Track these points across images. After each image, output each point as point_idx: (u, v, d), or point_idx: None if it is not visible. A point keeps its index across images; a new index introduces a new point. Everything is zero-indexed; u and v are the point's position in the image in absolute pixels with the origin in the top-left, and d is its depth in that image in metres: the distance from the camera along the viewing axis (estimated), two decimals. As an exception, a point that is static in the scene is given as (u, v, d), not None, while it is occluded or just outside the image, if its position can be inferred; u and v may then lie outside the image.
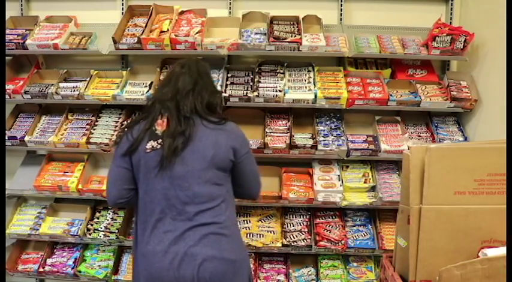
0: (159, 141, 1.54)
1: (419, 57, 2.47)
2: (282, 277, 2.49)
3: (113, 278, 2.50)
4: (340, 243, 2.41)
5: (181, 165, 1.52)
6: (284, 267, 2.55)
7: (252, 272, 1.83)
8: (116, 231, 2.49)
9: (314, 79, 2.42)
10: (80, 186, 2.44)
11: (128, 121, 2.50)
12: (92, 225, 2.53)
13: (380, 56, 2.40)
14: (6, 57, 2.55)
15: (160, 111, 1.59)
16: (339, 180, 2.42)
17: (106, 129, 2.48)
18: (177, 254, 1.48)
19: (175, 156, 1.51)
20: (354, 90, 2.37)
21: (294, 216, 2.56)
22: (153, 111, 1.61)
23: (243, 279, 1.60)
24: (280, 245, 2.41)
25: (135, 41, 2.32)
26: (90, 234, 2.49)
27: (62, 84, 2.47)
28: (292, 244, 2.41)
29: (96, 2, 2.71)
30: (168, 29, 2.38)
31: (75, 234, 2.48)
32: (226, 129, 1.61)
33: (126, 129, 1.67)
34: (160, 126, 1.57)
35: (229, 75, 2.46)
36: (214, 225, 1.52)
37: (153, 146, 1.54)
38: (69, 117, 2.60)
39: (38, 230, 2.52)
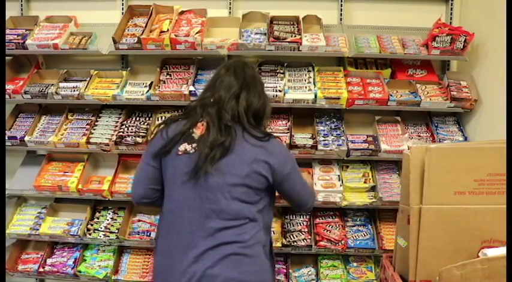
0: (194, 145, 1.46)
1: (419, 57, 2.47)
2: (282, 277, 2.49)
3: (113, 278, 2.50)
4: (340, 243, 2.41)
5: (213, 177, 1.42)
6: (284, 267, 2.55)
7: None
8: (116, 231, 2.49)
9: (314, 79, 2.42)
10: (80, 186, 2.44)
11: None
12: (92, 225, 2.53)
13: (380, 56, 2.40)
14: (6, 57, 2.55)
15: (202, 115, 1.50)
16: (339, 180, 2.42)
17: (106, 129, 2.48)
18: (194, 274, 1.39)
19: (210, 166, 1.41)
20: (354, 90, 2.37)
21: (294, 216, 2.56)
22: (194, 115, 1.52)
23: None
24: (280, 245, 2.41)
25: (135, 41, 2.32)
26: (90, 234, 2.49)
27: (62, 84, 2.47)
28: (292, 244, 2.41)
29: (96, 2, 2.71)
30: (168, 29, 2.38)
31: (75, 234, 2.48)
32: (267, 148, 1.48)
33: (162, 125, 1.58)
34: (199, 129, 1.48)
35: (229, 75, 2.46)
36: (236, 245, 1.42)
37: (186, 149, 1.46)
38: (69, 117, 2.59)
39: (38, 230, 2.52)
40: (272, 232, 2.44)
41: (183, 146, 1.47)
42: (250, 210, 1.46)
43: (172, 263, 1.45)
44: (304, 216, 2.55)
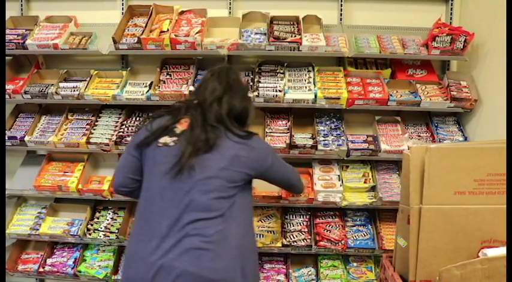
0: (174, 139, 1.51)
1: (419, 57, 2.47)
2: (282, 277, 2.49)
3: (113, 278, 2.51)
4: (340, 243, 2.41)
5: (192, 171, 1.46)
6: (284, 267, 2.55)
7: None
8: (116, 231, 2.49)
9: (314, 79, 2.42)
10: (80, 186, 2.44)
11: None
12: (92, 225, 2.53)
13: (380, 56, 2.40)
14: (6, 57, 2.55)
15: (185, 113, 1.57)
16: (339, 180, 2.42)
17: (106, 129, 2.48)
18: (154, 264, 1.40)
19: (192, 161, 1.45)
20: (354, 90, 2.37)
21: (294, 216, 2.56)
22: (178, 113, 1.59)
23: None
24: (280, 245, 2.41)
25: (135, 41, 2.32)
26: (90, 234, 2.49)
27: (62, 84, 2.47)
28: (292, 244, 2.41)
29: (96, 2, 2.71)
30: (168, 29, 2.38)
31: (75, 234, 2.48)
32: (249, 144, 1.55)
33: (148, 120, 1.65)
34: (181, 125, 1.54)
35: (229, 75, 2.46)
36: (199, 238, 1.42)
37: (166, 142, 1.51)
38: (69, 117, 2.59)
39: (38, 230, 2.52)
40: (272, 232, 2.45)
41: (164, 139, 1.52)
42: (222, 204, 1.47)
43: (137, 251, 1.47)
44: (304, 216, 2.55)
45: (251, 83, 2.40)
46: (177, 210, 1.44)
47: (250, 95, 1.77)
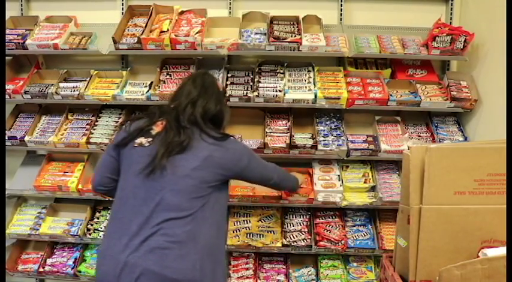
0: (149, 139, 1.54)
1: (419, 57, 2.47)
2: (282, 277, 2.49)
3: (113, 278, 2.50)
4: (340, 243, 2.41)
5: (165, 171, 1.48)
6: (284, 267, 2.55)
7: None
8: (116, 231, 2.49)
9: (314, 79, 2.42)
10: (80, 186, 2.44)
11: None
12: (92, 225, 2.53)
13: (380, 56, 2.40)
14: (6, 57, 2.55)
15: (161, 117, 1.62)
16: (339, 180, 2.42)
17: (106, 129, 2.48)
18: (119, 261, 1.42)
19: (165, 161, 1.48)
20: (354, 90, 2.37)
21: (294, 216, 2.56)
22: (155, 116, 1.64)
23: None
24: (280, 245, 2.41)
25: (135, 41, 2.32)
26: (90, 234, 2.49)
27: (62, 84, 2.47)
28: (292, 244, 2.41)
29: (96, 2, 2.71)
30: (168, 29, 2.38)
31: (75, 234, 2.48)
32: (223, 146, 1.57)
33: (128, 122, 1.69)
34: (157, 127, 1.58)
35: (229, 75, 2.46)
36: (164, 238, 1.43)
37: (141, 142, 1.55)
38: (69, 117, 2.60)
39: (38, 230, 2.52)
40: (272, 232, 2.45)
41: (139, 139, 1.56)
42: (193, 204, 1.48)
43: (107, 248, 1.49)
44: (304, 216, 2.55)
45: (251, 83, 2.40)
46: (148, 209, 1.46)
47: (226, 98, 1.88)
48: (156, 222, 1.44)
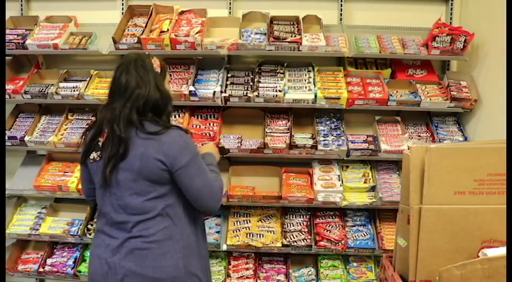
0: (98, 153, 1.52)
1: (419, 57, 2.47)
2: (282, 277, 2.49)
3: (113, 278, 2.50)
4: (340, 243, 2.41)
5: (115, 176, 1.48)
6: (284, 267, 2.55)
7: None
8: (116, 231, 2.49)
9: (314, 79, 2.42)
10: (80, 186, 2.44)
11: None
12: (92, 225, 2.53)
13: (380, 56, 2.40)
14: (6, 57, 2.55)
15: (103, 125, 1.53)
16: (339, 180, 2.42)
17: (106, 129, 2.48)
18: (104, 263, 1.48)
19: (111, 173, 1.47)
20: (354, 90, 2.37)
21: (294, 216, 2.56)
22: (97, 123, 1.56)
23: None
24: (280, 245, 2.41)
25: (135, 41, 2.32)
26: (90, 234, 2.49)
27: (62, 84, 2.47)
28: (292, 244, 2.41)
29: (96, 2, 2.71)
30: (168, 29, 2.38)
31: (75, 234, 2.48)
32: (159, 140, 1.47)
33: (86, 131, 1.63)
34: (102, 138, 1.53)
35: (229, 75, 2.46)
36: (141, 239, 1.46)
37: (94, 157, 1.54)
38: (69, 117, 2.60)
39: (38, 230, 2.52)
40: (272, 232, 2.45)
41: (92, 155, 1.55)
42: (157, 204, 1.48)
43: (96, 247, 1.56)
44: (304, 216, 2.55)
45: (251, 83, 2.40)
46: (118, 214, 1.50)
47: (166, 78, 1.68)
48: (130, 226, 1.48)
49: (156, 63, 1.60)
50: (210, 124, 2.48)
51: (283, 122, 2.50)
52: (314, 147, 2.34)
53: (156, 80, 1.56)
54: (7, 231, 2.54)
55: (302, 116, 2.55)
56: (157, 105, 1.54)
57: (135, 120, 1.48)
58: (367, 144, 2.38)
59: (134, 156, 1.46)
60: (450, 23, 2.57)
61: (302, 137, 2.41)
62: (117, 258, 1.47)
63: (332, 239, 2.42)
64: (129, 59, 1.56)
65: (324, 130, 2.45)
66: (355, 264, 2.55)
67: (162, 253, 1.47)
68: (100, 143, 1.52)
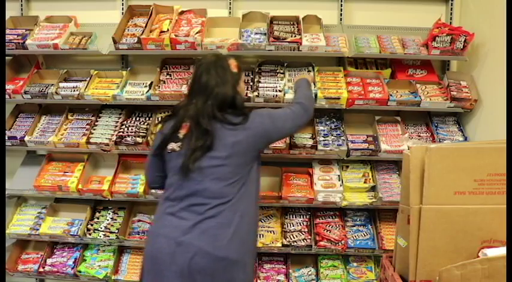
0: (179, 144, 1.66)
1: (419, 57, 2.47)
2: (282, 277, 2.49)
3: (112, 278, 2.51)
4: (340, 243, 2.41)
5: (199, 164, 1.61)
6: (284, 267, 2.55)
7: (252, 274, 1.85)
8: (116, 231, 2.49)
9: (314, 79, 2.41)
10: (80, 186, 2.44)
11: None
12: (92, 225, 2.53)
13: (380, 56, 2.40)
14: (6, 57, 2.55)
15: (184, 118, 1.69)
16: (339, 180, 2.42)
17: (106, 129, 2.48)
18: (173, 243, 1.56)
19: (194, 162, 1.60)
20: (354, 90, 2.37)
21: (294, 216, 2.56)
22: (179, 116, 1.71)
23: (239, 279, 1.61)
24: (280, 245, 2.41)
25: (135, 41, 2.32)
26: (90, 234, 2.49)
27: (62, 84, 2.47)
28: (292, 244, 2.41)
29: (96, 2, 2.71)
30: (168, 29, 2.38)
31: (75, 234, 2.48)
32: (245, 127, 1.66)
33: (161, 124, 1.83)
34: (183, 129, 1.68)
35: (229, 75, 2.46)
36: (215, 221, 1.57)
37: (173, 148, 1.68)
38: (69, 117, 2.59)
39: (38, 230, 2.52)
40: (272, 232, 2.46)
41: (171, 145, 1.69)
42: (234, 189, 1.63)
43: (159, 227, 1.65)
44: (304, 216, 2.55)
45: (251, 83, 2.40)
46: (194, 198, 1.60)
47: (242, 79, 1.92)
48: (204, 209, 1.58)
49: (233, 64, 1.78)
50: (210, 124, 2.48)
51: (283, 122, 2.50)
52: (314, 147, 2.34)
53: (234, 79, 1.76)
54: (7, 231, 2.54)
55: (302, 116, 2.54)
56: (234, 101, 1.71)
57: (218, 115, 1.65)
58: (367, 144, 2.38)
59: (224, 146, 1.62)
60: (450, 23, 2.58)
61: (302, 137, 2.41)
62: (188, 237, 1.55)
63: (332, 239, 2.42)
64: (209, 60, 1.76)
65: (324, 130, 2.45)
66: (355, 264, 2.55)
67: (233, 235, 1.58)
68: (181, 135, 1.68)
